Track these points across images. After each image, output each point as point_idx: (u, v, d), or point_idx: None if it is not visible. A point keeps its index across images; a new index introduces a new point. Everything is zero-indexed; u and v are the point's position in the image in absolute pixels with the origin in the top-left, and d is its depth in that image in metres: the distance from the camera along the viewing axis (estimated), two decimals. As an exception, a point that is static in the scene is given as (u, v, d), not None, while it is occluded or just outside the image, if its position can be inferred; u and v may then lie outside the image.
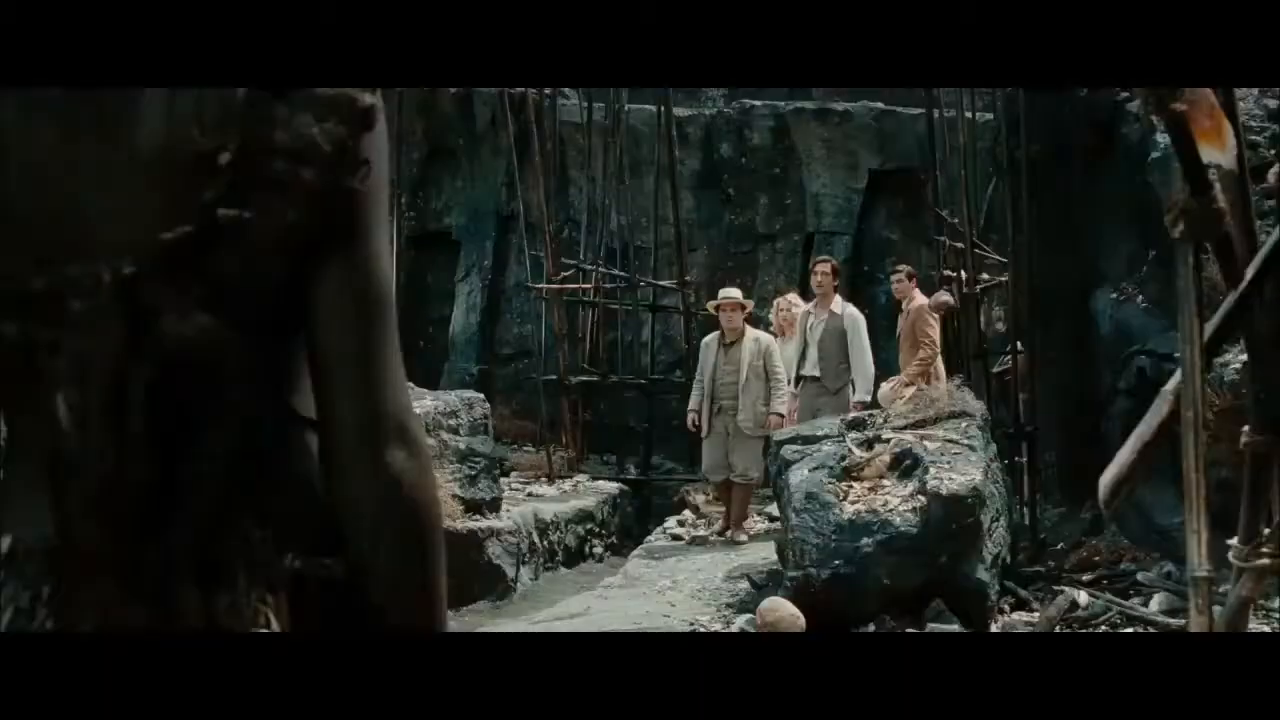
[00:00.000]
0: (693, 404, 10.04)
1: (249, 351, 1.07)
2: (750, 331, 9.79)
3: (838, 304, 9.79)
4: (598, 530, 10.97)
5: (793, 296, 10.89)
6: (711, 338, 9.99)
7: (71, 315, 1.03)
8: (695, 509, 10.96)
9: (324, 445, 1.13)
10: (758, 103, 16.03)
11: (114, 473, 1.02)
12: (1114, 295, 8.37)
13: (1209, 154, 1.58)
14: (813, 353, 9.67)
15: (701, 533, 10.11)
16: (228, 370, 1.06)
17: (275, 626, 1.06)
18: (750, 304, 10.10)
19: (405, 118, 15.32)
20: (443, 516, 1.18)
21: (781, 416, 9.35)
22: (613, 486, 12.00)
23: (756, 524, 9.94)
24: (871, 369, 9.63)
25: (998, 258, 10.28)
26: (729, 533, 9.77)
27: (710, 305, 10.33)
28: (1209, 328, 1.88)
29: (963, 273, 9.74)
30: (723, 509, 10.16)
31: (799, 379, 9.77)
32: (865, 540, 6.40)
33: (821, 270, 9.92)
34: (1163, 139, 7.77)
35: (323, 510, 1.13)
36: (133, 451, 1.02)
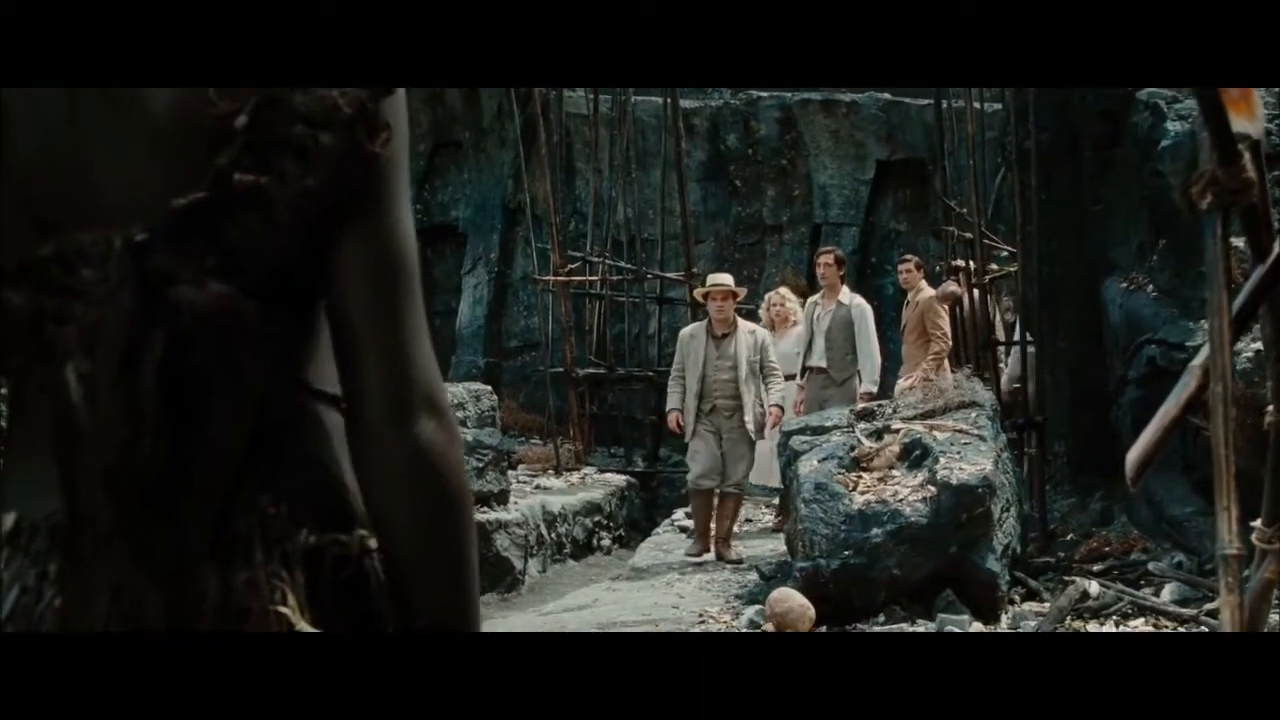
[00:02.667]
0: (673, 402, 8.91)
1: (265, 322, 1.03)
2: (742, 323, 8.94)
3: (845, 294, 9.59)
4: (605, 522, 10.95)
5: (785, 290, 10.49)
6: (696, 329, 9.01)
7: (81, 283, 0.99)
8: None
9: (350, 415, 1.11)
10: (764, 94, 15.99)
11: (125, 446, 0.98)
12: (1124, 284, 8.34)
13: (1238, 124, 1.55)
14: (819, 343, 9.45)
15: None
16: (243, 341, 1.02)
17: (292, 603, 1.03)
18: (742, 291, 9.28)
19: (411, 110, 15.26)
20: (470, 487, 1.16)
21: (781, 409, 8.67)
22: (620, 479, 11.99)
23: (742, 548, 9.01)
24: (879, 359, 9.46)
25: (1006, 248, 10.24)
26: (718, 550, 8.77)
27: (698, 293, 9.45)
28: (1236, 302, 1.84)
29: (971, 263, 9.71)
30: (699, 525, 9.00)
31: (804, 370, 9.55)
32: (875, 531, 6.38)
33: (824, 261, 9.76)
34: (1173, 126, 7.75)
35: (339, 486, 1.11)
36: (144, 424, 0.99)
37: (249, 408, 1.03)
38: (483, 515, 9.12)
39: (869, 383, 9.29)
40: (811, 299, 9.91)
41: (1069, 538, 8.74)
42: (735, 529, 9.06)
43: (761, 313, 10.07)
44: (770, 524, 9.92)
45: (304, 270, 1.08)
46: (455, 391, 9.69)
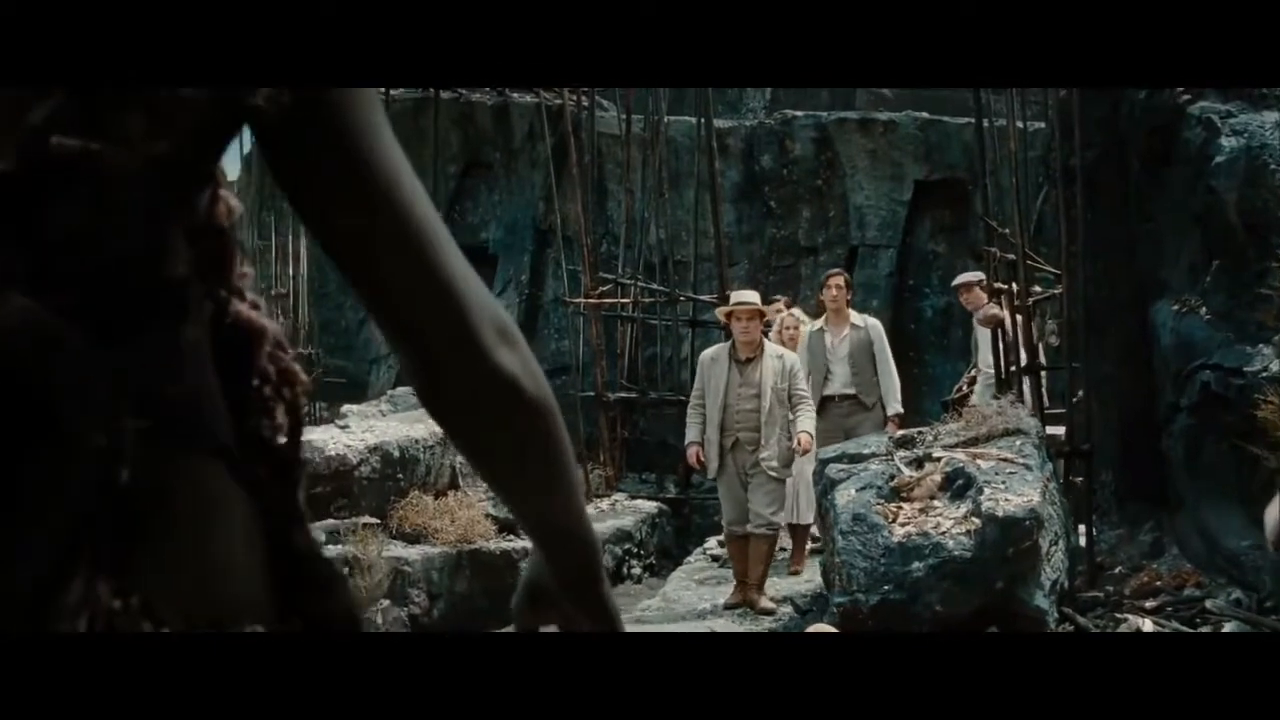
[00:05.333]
0: (692, 434, 8.05)
1: (96, 350, 0.74)
2: (769, 346, 8.12)
3: (857, 317, 9.28)
4: (636, 551, 10.74)
5: (799, 312, 9.81)
6: (718, 352, 8.18)
7: None
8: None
9: (414, 369, 0.97)
10: (799, 113, 15.76)
11: None
12: (1175, 307, 8.00)
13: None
14: (841, 370, 9.05)
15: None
16: (61, 378, 0.72)
17: None
18: (770, 310, 8.53)
19: (441, 131, 15.18)
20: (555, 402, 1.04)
21: (810, 436, 7.86)
22: (651, 506, 11.76)
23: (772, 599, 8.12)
24: (898, 380, 9.22)
25: (1050, 270, 9.91)
26: (749, 598, 7.97)
27: (720, 313, 8.64)
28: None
29: (1014, 285, 9.37)
30: (737, 573, 8.16)
31: (823, 401, 8.93)
32: (916, 564, 6.08)
33: (835, 284, 9.35)
34: (1228, 142, 7.42)
35: (219, 564, 0.83)
36: None
37: (76, 469, 0.73)
38: (509, 543, 8.92)
39: (895, 404, 8.99)
40: (811, 329, 9.35)
41: (1117, 571, 8.39)
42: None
43: (772, 335, 9.09)
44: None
45: (156, 273, 0.79)
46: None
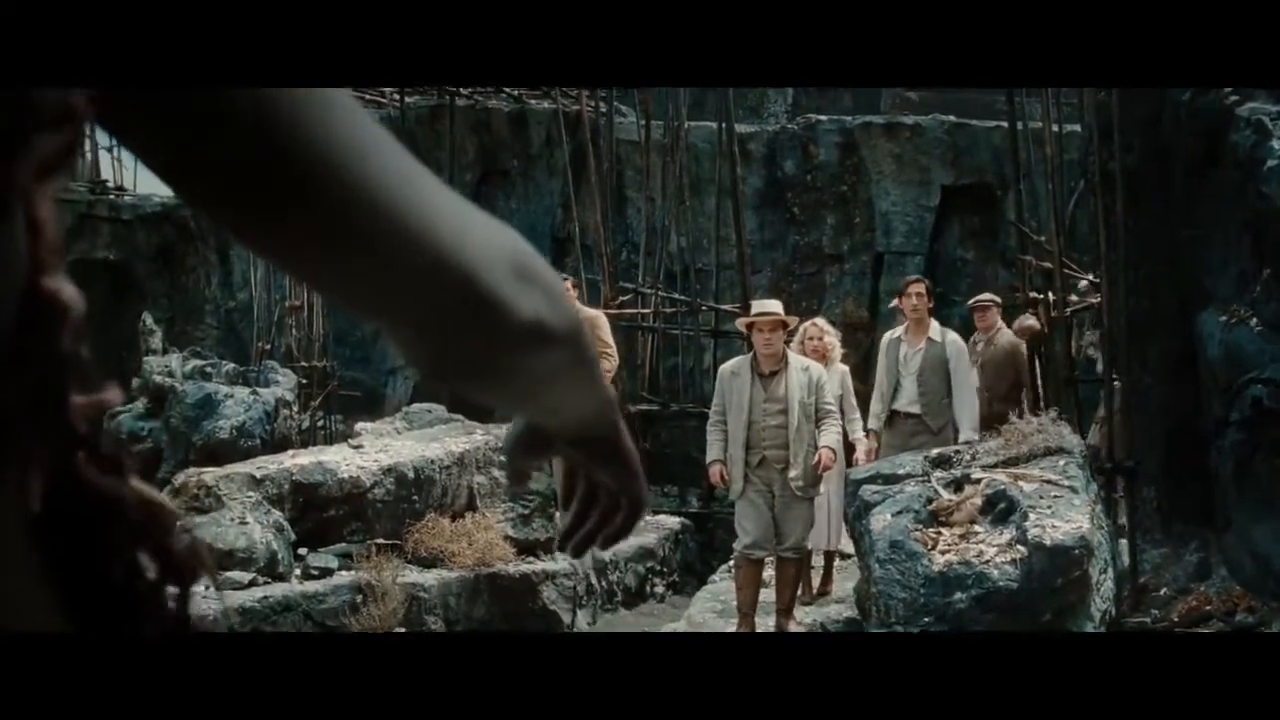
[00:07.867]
0: (714, 452, 7.49)
1: None
2: (794, 358, 7.56)
3: (935, 330, 8.46)
4: (659, 568, 10.47)
5: (822, 322, 9.12)
6: (739, 365, 7.62)
7: None
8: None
9: (437, 360, 0.78)
10: (823, 118, 15.47)
11: None
12: (1223, 317, 7.65)
13: None
14: (910, 386, 8.35)
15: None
16: None
17: None
18: (794, 321, 7.93)
19: (457, 137, 14.94)
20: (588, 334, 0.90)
21: (832, 452, 7.34)
22: (674, 521, 11.47)
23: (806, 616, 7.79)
24: (977, 404, 8.43)
25: (1087, 278, 9.56)
26: (779, 623, 7.56)
27: (740, 323, 8.17)
28: None
29: (1050, 295, 9.04)
30: (744, 603, 7.55)
31: (891, 415, 8.41)
32: (958, 595, 5.73)
33: (916, 291, 8.49)
34: (1280, 145, 7.07)
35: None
36: None
37: None
38: (529, 566, 8.66)
39: (969, 430, 8.12)
40: (890, 335, 8.75)
41: (1163, 593, 8.04)
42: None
43: (794, 347, 8.35)
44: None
45: None
46: (500, 433, 9.23)
